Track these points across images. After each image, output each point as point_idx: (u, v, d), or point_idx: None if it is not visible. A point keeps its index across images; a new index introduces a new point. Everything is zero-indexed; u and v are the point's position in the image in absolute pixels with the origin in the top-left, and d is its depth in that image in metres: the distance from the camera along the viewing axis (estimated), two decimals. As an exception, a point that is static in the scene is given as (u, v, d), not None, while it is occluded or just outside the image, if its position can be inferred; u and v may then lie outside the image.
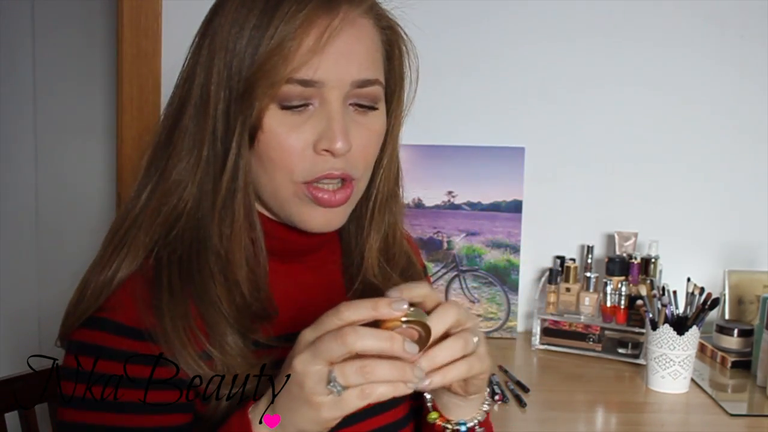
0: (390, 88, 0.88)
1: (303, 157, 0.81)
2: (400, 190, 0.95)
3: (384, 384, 0.69)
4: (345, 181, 0.84)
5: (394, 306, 0.70)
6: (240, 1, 0.80)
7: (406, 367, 0.69)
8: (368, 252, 0.93)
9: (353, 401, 0.69)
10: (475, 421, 0.91)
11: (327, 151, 0.81)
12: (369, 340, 0.68)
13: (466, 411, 0.91)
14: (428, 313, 0.74)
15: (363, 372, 0.68)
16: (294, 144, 0.80)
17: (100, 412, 0.79)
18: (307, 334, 0.71)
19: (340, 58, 0.79)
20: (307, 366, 0.70)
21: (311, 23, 0.78)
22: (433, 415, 0.92)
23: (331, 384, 0.69)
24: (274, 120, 0.80)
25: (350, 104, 0.83)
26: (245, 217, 0.83)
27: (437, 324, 0.73)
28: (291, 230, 0.87)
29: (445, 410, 0.91)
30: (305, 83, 0.79)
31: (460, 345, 0.74)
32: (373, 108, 0.84)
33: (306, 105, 0.80)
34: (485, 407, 0.92)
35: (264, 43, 0.78)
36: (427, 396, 0.92)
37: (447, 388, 0.86)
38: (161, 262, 0.83)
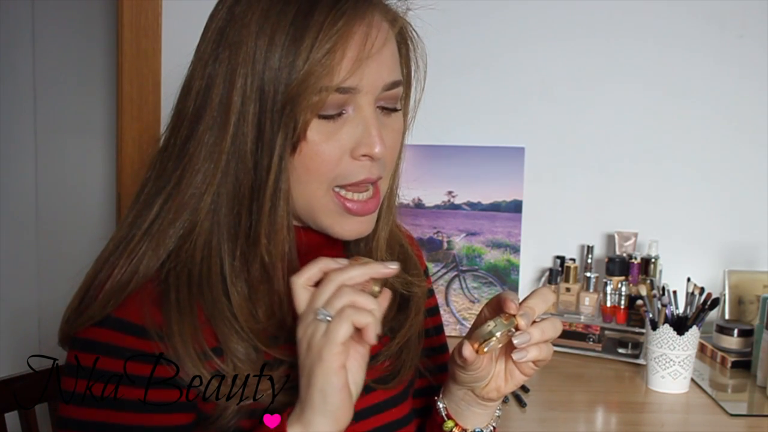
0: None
1: (339, 163, 0.82)
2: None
3: (365, 313, 0.74)
4: (374, 185, 0.85)
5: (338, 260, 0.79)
6: (262, 11, 0.79)
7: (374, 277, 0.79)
8: (376, 245, 0.93)
9: (338, 327, 0.74)
10: (490, 428, 0.92)
11: (365, 156, 0.82)
12: (352, 271, 0.77)
13: (483, 418, 0.92)
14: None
15: (341, 292, 0.75)
16: (332, 152, 0.81)
17: (100, 409, 0.79)
18: (300, 303, 0.79)
19: (374, 64, 0.80)
20: (305, 322, 0.76)
21: (350, 33, 0.79)
22: (449, 423, 0.92)
23: (320, 314, 0.75)
24: (312, 130, 0.80)
25: (377, 106, 0.83)
26: (287, 229, 0.83)
27: (540, 304, 0.83)
28: (302, 229, 0.88)
29: (461, 418, 0.92)
30: (347, 91, 0.79)
31: (556, 327, 0.84)
32: (395, 109, 0.85)
33: (340, 113, 0.81)
34: (498, 413, 0.93)
35: (302, 56, 0.77)
36: (441, 405, 0.93)
37: (477, 394, 0.89)
38: (170, 276, 0.82)
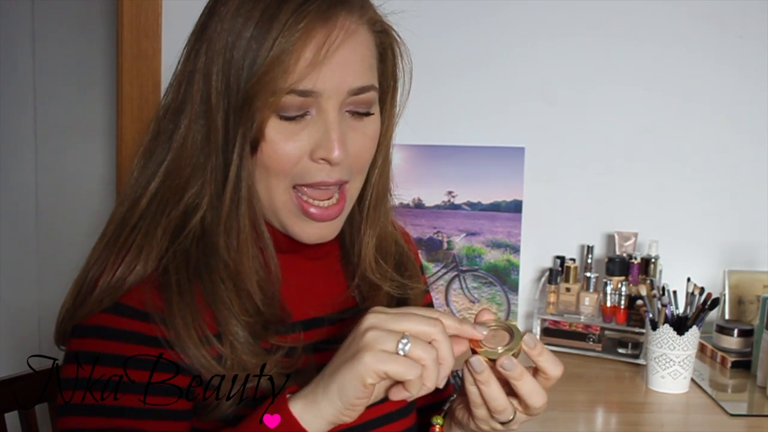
0: (383, 90, 0.89)
1: (298, 164, 0.82)
2: (392, 187, 0.96)
3: (448, 364, 0.73)
4: (339, 188, 0.85)
5: (477, 329, 0.77)
6: (236, 8, 0.80)
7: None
8: (365, 249, 0.94)
9: (399, 368, 0.71)
10: None
11: (324, 159, 0.82)
12: (451, 323, 0.76)
13: None
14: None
15: (429, 346, 0.72)
16: (290, 152, 0.81)
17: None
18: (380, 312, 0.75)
19: (337, 68, 0.80)
20: (383, 323, 0.72)
21: (310, 35, 0.78)
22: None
23: (404, 342, 0.72)
24: (272, 129, 0.80)
25: (346, 111, 0.83)
26: (251, 228, 0.83)
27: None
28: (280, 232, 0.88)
29: None
30: (304, 94, 0.79)
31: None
32: (368, 113, 0.85)
33: (303, 114, 0.81)
34: None
35: (262, 54, 0.78)
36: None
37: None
38: (170, 265, 0.82)
